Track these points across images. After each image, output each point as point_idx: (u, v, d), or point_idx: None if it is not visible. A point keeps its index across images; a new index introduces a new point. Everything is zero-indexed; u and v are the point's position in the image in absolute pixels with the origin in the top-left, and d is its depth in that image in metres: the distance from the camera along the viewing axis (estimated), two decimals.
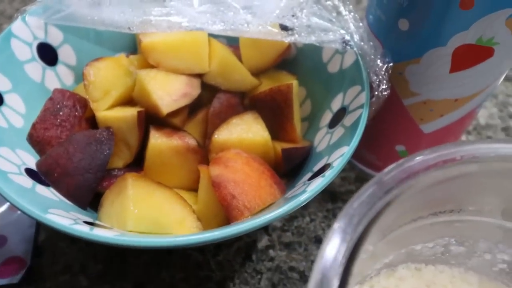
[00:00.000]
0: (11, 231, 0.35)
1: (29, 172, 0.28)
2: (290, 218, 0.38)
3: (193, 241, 0.22)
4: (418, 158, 0.19)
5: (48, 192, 0.28)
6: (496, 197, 0.22)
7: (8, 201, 0.23)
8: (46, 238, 0.36)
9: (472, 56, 0.28)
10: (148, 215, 0.27)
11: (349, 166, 0.42)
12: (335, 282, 0.16)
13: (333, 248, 0.16)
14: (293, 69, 0.38)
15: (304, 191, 0.25)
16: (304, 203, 0.24)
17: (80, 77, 0.38)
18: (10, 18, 0.55)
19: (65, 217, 0.24)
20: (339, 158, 0.26)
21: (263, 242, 0.37)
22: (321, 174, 0.26)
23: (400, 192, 0.18)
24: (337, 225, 0.17)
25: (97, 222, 0.27)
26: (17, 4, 0.57)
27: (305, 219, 0.38)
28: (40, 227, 0.36)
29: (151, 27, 0.33)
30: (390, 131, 0.36)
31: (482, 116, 0.47)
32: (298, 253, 0.36)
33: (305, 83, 0.37)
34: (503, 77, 0.31)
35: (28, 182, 0.27)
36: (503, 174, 0.21)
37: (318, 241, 0.37)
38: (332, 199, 0.39)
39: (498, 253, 0.25)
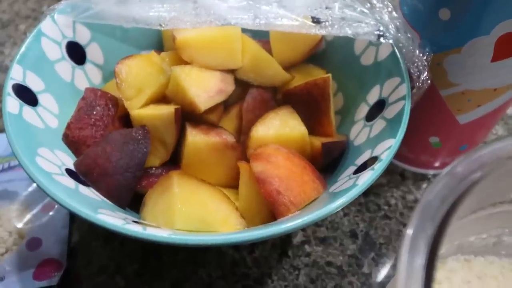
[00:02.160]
0: (45, 233, 0.35)
1: (69, 172, 0.28)
2: None
3: (257, 236, 0.22)
4: (487, 149, 0.18)
5: (90, 192, 0.27)
6: None
7: (57, 202, 0.23)
8: (79, 238, 0.36)
9: None
10: (194, 213, 0.26)
11: None
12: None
13: (415, 248, 0.16)
14: (322, 63, 0.38)
15: (355, 185, 0.25)
16: (358, 195, 0.24)
17: (107, 75, 0.37)
18: (26, 18, 0.55)
19: (115, 217, 0.23)
20: (387, 151, 0.26)
21: (298, 237, 0.36)
22: (370, 167, 0.26)
23: (472, 183, 0.18)
24: (416, 220, 0.17)
25: (141, 221, 0.27)
26: (31, 4, 0.57)
27: (338, 213, 0.38)
28: (73, 227, 0.36)
29: (183, 23, 0.33)
30: (424, 123, 0.35)
31: None
32: (334, 247, 0.36)
33: (336, 76, 0.37)
34: None
35: (71, 182, 0.26)
36: None
37: (353, 235, 0.36)
38: (364, 192, 0.39)
39: None
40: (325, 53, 0.38)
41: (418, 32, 0.31)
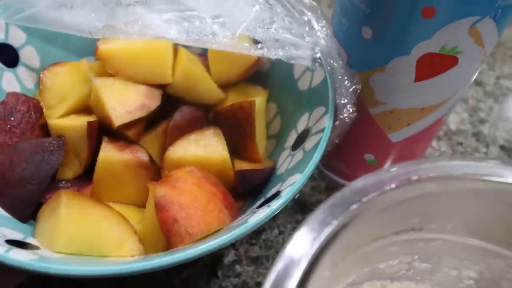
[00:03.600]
0: None
1: None
2: (258, 231, 0.36)
3: (111, 272, 0.20)
4: (374, 178, 0.17)
5: None
6: (458, 214, 0.21)
7: None
8: None
9: (436, 65, 0.27)
10: (81, 236, 0.25)
11: (320, 175, 0.40)
12: None
13: (286, 268, 0.15)
14: (265, 83, 0.36)
15: (245, 222, 0.23)
16: (237, 239, 0.22)
17: None
18: None
19: None
20: (289, 187, 0.24)
21: (230, 257, 0.35)
22: (268, 204, 0.24)
23: (357, 213, 0.17)
24: (286, 251, 0.15)
25: (30, 239, 0.26)
26: None
27: (273, 231, 0.36)
28: None
29: (113, 33, 0.31)
30: (358, 140, 0.34)
31: (452, 122, 0.46)
32: (266, 267, 0.34)
33: (277, 99, 0.35)
34: (469, 84, 0.29)
35: None
36: (464, 193, 0.19)
37: None
38: (302, 209, 0.38)
39: (464, 269, 0.24)
40: (269, 73, 0.37)
41: (346, 50, 0.30)
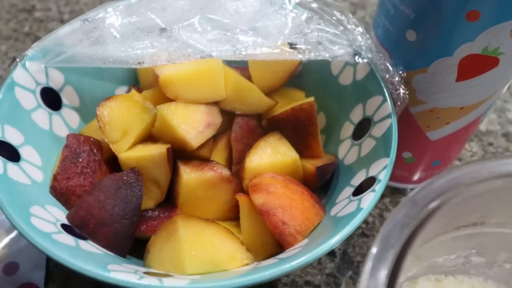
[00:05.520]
0: (22, 258, 0.33)
1: (64, 228, 0.27)
2: None
3: (275, 274, 0.22)
4: (447, 176, 0.19)
5: (90, 247, 0.26)
6: None
7: (66, 266, 0.22)
8: (58, 263, 0.34)
9: (478, 65, 0.28)
10: (203, 255, 0.26)
11: None
12: None
13: (374, 273, 0.17)
14: (299, 84, 0.39)
15: (360, 208, 0.25)
16: (364, 219, 0.24)
17: (85, 117, 0.36)
18: (7, 39, 0.53)
19: (127, 272, 0.23)
20: (384, 170, 0.27)
21: None
22: (371, 189, 0.27)
23: (432, 210, 0.18)
24: (375, 250, 0.17)
25: (148, 269, 0.26)
26: (13, 24, 0.55)
27: None
28: None
29: (162, 60, 0.32)
30: (397, 138, 0.36)
31: (482, 123, 0.47)
32: (313, 266, 0.36)
33: (316, 96, 0.37)
34: (507, 85, 0.32)
35: (70, 239, 0.25)
36: None
37: (331, 253, 0.36)
38: None
39: None
40: (302, 74, 0.39)
41: (389, 52, 0.32)
